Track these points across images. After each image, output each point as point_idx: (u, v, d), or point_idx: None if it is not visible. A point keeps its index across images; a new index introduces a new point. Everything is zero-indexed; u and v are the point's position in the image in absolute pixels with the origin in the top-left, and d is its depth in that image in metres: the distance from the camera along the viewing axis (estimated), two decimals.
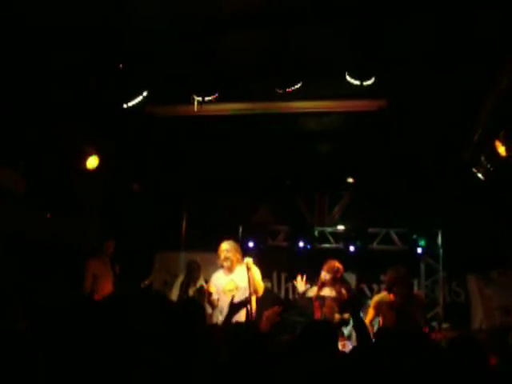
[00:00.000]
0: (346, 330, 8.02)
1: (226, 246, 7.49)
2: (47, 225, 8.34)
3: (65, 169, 8.60)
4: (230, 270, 7.41)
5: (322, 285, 7.84)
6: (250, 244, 10.57)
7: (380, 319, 7.47)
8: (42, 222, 8.26)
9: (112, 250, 8.49)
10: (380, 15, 6.07)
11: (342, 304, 7.52)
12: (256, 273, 7.33)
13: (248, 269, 7.14)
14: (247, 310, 6.92)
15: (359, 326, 4.56)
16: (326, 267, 7.88)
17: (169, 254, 11.05)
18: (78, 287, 7.78)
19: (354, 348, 4.78)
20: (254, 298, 7.26)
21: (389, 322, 7.24)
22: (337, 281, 7.74)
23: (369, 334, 4.66)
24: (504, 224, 9.31)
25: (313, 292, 7.87)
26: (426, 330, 7.36)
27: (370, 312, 7.50)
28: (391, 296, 7.37)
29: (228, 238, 7.70)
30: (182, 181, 10.82)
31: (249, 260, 7.20)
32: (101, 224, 9.64)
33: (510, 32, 5.86)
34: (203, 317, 4.45)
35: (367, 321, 7.46)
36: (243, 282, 7.21)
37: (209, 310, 7.38)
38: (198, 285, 8.63)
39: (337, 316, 7.37)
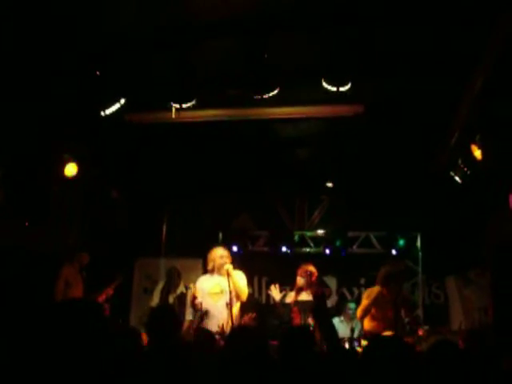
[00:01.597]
0: None
1: (222, 252, 7.39)
2: (24, 232, 8.28)
3: (43, 176, 8.55)
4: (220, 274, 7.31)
5: (300, 290, 7.89)
6: (234, 249, 10.57)
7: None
8: (20, 230, 8.21)
9: (86, 262, 8.51)
10: (356, 21, 6.11)
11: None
12: (239, 278, 7.28)
13: (228, 275, 7.12)
14: (231, 316, 6.94)
15: (326, 332, 4.44)
16: (299, 272, 7.95)
17: (149, 261, 11.01)
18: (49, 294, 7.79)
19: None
20: (238, 304, 7.26)
21: (384, 315, 7.42)
22: (312, 285, 7.77)
23: (338, 338, 4.59)
24: (481, 226, 9.41)
25: (291, 298, 7.92)
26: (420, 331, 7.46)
27: (364, 302, 7.61)
28: (384, 290, 7.48)
29: (215, 245, 7.71)
30: (162, 187, 10.80)
31: (229, 266, 7.17)
32: (79, 232, 9.59)
33: (483, 35, 5.93)
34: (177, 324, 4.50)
35: (360, 311, 7.58)
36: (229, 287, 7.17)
37: (189, 316, 7.35)
38: (178, 291, 8.64)
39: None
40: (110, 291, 8.51)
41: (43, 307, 2.28)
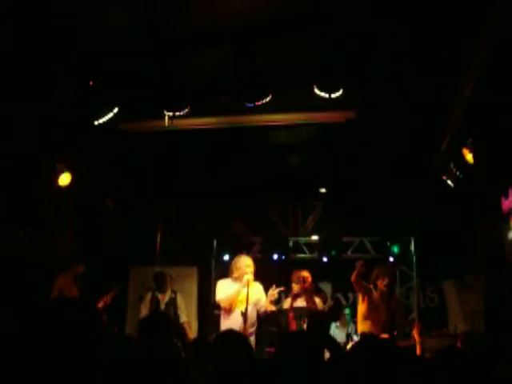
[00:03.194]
0: None
1: (248, 262, 7.45)
2: (19, 242, 8.28)
3: (37, 186, 8.54)
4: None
5: (295, 296, 7.90)
6: (226, 257, 10.49)
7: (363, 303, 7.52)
8: (14, 240, 8.21)
9: (81, 272, 8.50)
10: (347, 27, 6.15)
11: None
12: (258, 290, 7.45)
13: (247, 286, 7.15)
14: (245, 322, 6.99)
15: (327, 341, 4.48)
16: (293, 278, 7.97)
17: (143, 269, 10.97)
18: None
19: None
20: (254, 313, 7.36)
21: (376, 318, 7.33)
22: (307, 290, 7.76)
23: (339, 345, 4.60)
24: (473, 229, 9.45)
25: (287, 304, 7.93)
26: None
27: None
28: (376, 293, 7.48)
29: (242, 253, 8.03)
30: (156, 196, 10.81)
31: (249, 277, 7.21)
32: (74, 241, 9.59)
33: (472, 44, 5.99)
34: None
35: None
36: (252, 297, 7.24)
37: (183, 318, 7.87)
38: (167, 296, 8.73)
39: None
40: (106, 300, 8.49)
41: (39, 307, 2.28)
